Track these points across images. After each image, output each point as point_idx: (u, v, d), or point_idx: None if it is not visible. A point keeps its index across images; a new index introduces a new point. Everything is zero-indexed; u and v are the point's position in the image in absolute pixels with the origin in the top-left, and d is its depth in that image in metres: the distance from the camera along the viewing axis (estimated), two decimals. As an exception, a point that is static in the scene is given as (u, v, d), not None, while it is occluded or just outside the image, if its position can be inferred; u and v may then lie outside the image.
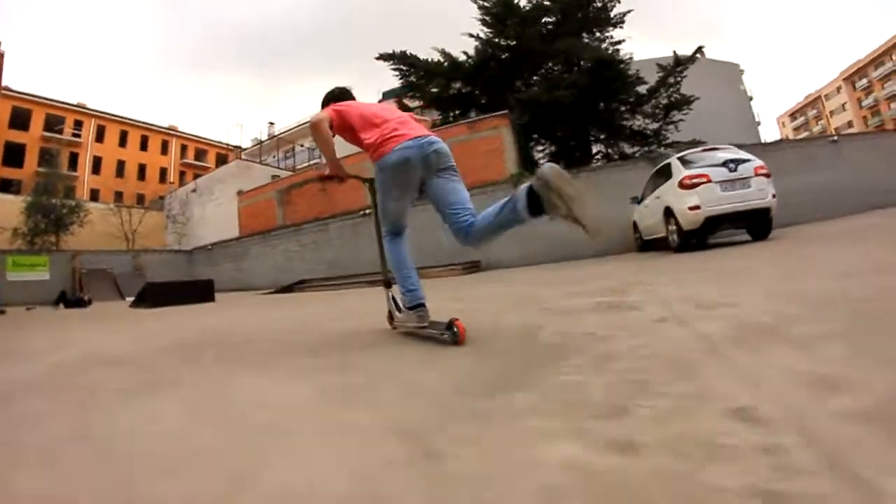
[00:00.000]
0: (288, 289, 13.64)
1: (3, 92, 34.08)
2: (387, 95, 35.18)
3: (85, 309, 13.08)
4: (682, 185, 8.17)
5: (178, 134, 48.06)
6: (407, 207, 2.81)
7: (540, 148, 20.32)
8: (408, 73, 19.89)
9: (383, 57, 19.52)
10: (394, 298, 3.06)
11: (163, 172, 43.29)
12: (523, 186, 2.19)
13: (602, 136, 19.12)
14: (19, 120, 35.56)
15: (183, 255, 24.58)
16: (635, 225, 11.55)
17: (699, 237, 8.30)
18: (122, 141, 42.37)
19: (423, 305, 2.69)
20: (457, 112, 19.99)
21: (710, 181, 7.91)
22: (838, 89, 65.37)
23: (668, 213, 8.65)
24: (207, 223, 26.16)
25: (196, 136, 49.65)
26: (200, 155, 48.38)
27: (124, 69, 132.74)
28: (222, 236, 22.96)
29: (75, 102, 40.87)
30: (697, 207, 7.85)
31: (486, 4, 18.40)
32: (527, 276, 8.03)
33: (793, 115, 78.64)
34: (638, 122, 18.55)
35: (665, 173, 9.23)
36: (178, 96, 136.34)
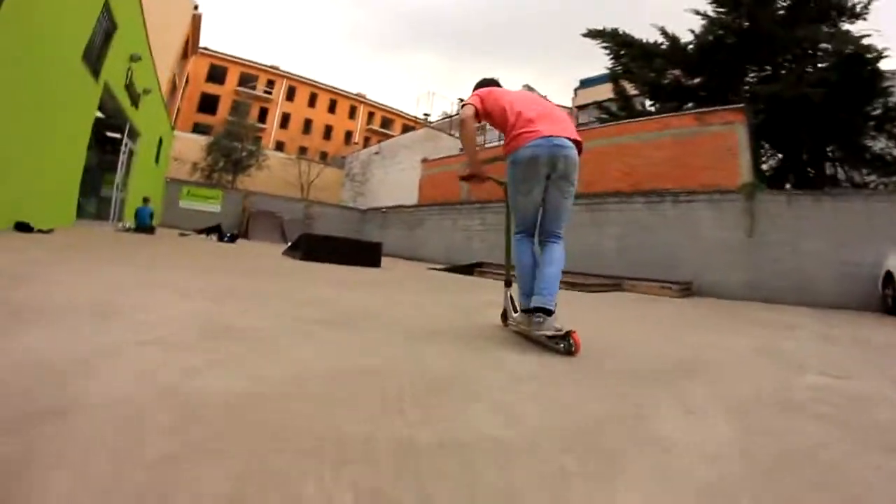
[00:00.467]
0: (467, 269, 11.45)
1: (201, 51, 36.89)
2: (585, 84, 34.12)
3: (232, 244, 12.86)
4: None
5: (367, 101, 49.80)
6: (537, 203, 2.79)
7: (763, 157, 16.85)
8: (620, 53, 18.29)
9: (592, 34, 18.22)
10: (511, 298, 3.03)
11: (348, 135, 44.73)
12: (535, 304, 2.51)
13: (838, 155, 15.74)
14: (216, 75, 39.60)
15: (356, 214, 24.72)
16: (889, 276, 8.46)
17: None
18: (312, 102, 44.87)
19: (539, 310, 2.51)
20: (674, 104, 17.27)
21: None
22: None
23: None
24: (385, 186, 25.87)
25: (384, 105, 51.18)
26: (387, 123, 49.54)
27: (315, 38, 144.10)
28: (398, 202, 22.53)
29: (269, 64, 44.07)
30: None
31: None
32: (757, 319, 5.85)
33: None
34: (881, 145, 15.24)
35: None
36: (365, 69, 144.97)
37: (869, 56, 13.66)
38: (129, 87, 11.31)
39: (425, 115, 28.42)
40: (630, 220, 12.77)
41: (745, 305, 8.57)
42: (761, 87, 15.01)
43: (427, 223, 19.90)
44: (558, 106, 3.26)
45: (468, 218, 17.80)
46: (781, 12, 15.47)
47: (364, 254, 8.83)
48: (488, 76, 3.27)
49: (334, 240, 8.81)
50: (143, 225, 12.48)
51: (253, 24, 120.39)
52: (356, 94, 48.69)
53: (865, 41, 13.94)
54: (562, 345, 2.38)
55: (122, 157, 13.08)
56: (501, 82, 3.27)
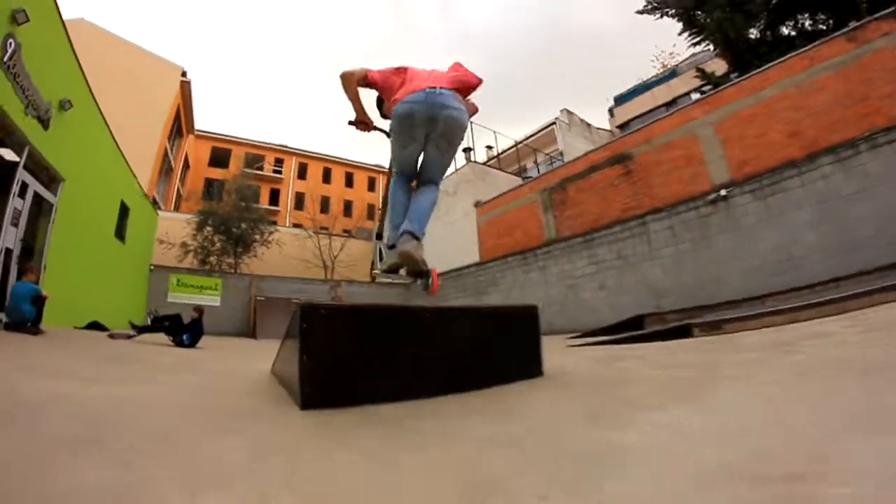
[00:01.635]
0: (632, 327, 7.05)
1: (201, 134, 38.24)
2: (621, 100, 35.28)
3: (191, 349, 9.14)
4: None
5: (385, 170, 48.00)
6: (414, 157, 3.14)
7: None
8: (692, 16, 17.51)
9: (653, 8, 18.43)
10: (380, 249, 4.95)
11: (370, 208, 43.18)
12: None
13: None
14: (219, 158, 39.59)
15: (397, 289, 21.69)
16: None
17: None
18: (326, 177, 44.76)
19: (407, 233, 3.00)
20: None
21: None
22: None
23: None
24: (431, 249, 21.50)
25: None
26: None
27: (321, 118, 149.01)
28: (452, 264, 19.21)
29: (277, 143, 44.81)
30: None
31: None
32: None
33: None
34: None
35: None
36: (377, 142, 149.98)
37: None
38: (15, 76, 7.50)
39: (466, 149, 24.93)
40: (820, 192, 9.76)
41: None
42: None
43: (503, 282, 16.77)
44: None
45: (567, 260, 14.69)
46: None
47: (505, 345, 3.41)
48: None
49: (405, 316, 3.10)
50: (19, 318, 7.07)
51: (255, 106, 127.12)
52: (374, 165, 48.25)
53: None
54: (419, 281, 3.12)
55: (17, 204, 8.70)
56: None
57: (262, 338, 15.60)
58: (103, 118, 12.36)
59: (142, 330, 9.54)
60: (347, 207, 41.75)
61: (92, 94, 11.44)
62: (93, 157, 11.89)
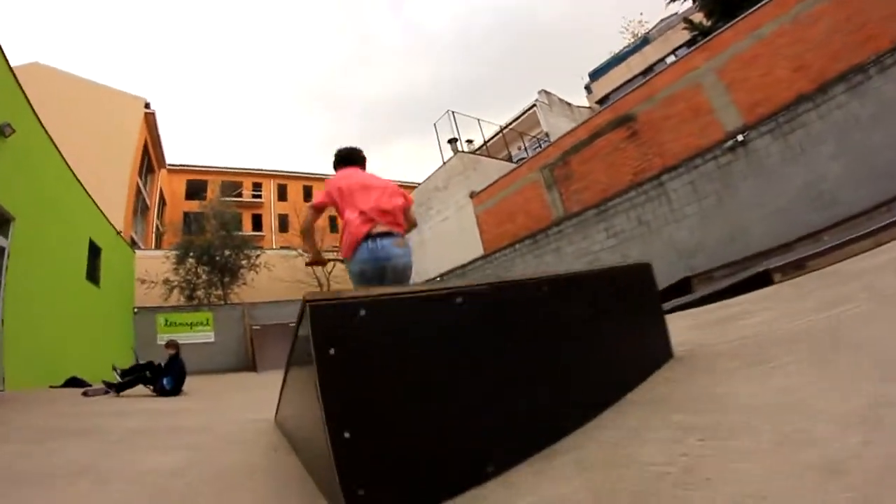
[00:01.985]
0: (753, 282, 5.82)
1: (173, 168, 37.88)
2: (596, 75, 35.46)
3: (172, 399, 7.70)
4: None
5: None
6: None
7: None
8: None
9: None
10: None
11: None
12: None
13: None
14: (195, 190, 38.53)
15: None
16: None
17: None
18: (307, 196, 43.53)
19: None
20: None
21: None
22: None
23: None
24: (427, 250, 21.50)
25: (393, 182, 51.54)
26: None
27: (293, 141, 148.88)
28: (454, 262, 18.70)
29: (254, 168, 44.44)
30: None
31: None
32: None
33: None
34: None
35: None
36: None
37: None
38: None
39: (451, 140, 24.03)
40: (839, 123, 9.43)
41: None
42: None
43: (514, 271, 16.00)
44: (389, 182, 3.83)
45: (582, 236, 14.09)
46: None
47: (628, 324, 2.51)
48: (348, 147, 4.13)
49: (511, 298, 1.94)
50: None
51: (226, 134, 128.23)
52: None
53: None
54: None
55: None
56: (363, 154, 4.17)
57: (264, 370, 14.68)
58: (57, 150, 11.30)
59: (119, 388, 8.08)
60: (333, 223, 40.98)
61: (40, 122, 10.40)
62: (50, 193, 10.84)
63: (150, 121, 28.46)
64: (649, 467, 1.29)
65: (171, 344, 9.40)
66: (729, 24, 12.52)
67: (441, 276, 18.68)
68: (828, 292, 3.04)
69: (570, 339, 1.94)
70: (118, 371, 8.59)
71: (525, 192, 16.86)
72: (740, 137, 10.74)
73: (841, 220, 8.28)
